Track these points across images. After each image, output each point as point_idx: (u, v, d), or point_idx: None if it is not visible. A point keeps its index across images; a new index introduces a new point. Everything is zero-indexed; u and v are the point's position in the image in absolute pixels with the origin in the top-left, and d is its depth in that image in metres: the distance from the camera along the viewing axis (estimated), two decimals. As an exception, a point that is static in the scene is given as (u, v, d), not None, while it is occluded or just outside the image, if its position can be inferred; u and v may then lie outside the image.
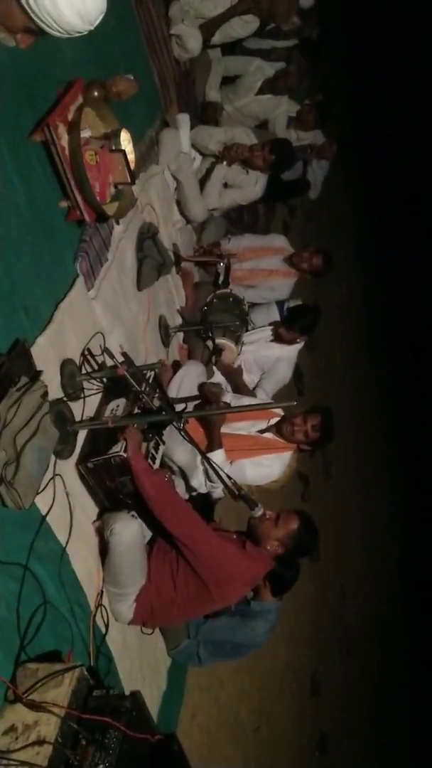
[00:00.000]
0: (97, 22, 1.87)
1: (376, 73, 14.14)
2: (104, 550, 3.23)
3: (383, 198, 14.90)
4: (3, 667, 2.45)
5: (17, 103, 3.05)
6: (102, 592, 3.26)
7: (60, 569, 2.92)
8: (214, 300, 4.87)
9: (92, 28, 1.87)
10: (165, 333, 4.52)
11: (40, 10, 1.78)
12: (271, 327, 5.19)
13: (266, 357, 5.10)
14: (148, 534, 3.45)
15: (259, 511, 3.25)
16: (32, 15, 1.80)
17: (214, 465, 3.20)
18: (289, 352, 5.11)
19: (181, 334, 4.86)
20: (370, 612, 11.55)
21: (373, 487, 12.85)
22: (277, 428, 4.19)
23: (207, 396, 4.03)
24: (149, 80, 4.85)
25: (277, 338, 5.11)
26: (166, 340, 4.53)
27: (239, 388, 4.82)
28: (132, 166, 3.39)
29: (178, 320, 4.86)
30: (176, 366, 4.54)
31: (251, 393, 4.83)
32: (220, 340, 4.68)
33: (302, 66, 6.64)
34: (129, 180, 3.38)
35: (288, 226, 8.63)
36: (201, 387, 4.19)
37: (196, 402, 3.99)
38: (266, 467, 4.13)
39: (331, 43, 8.84)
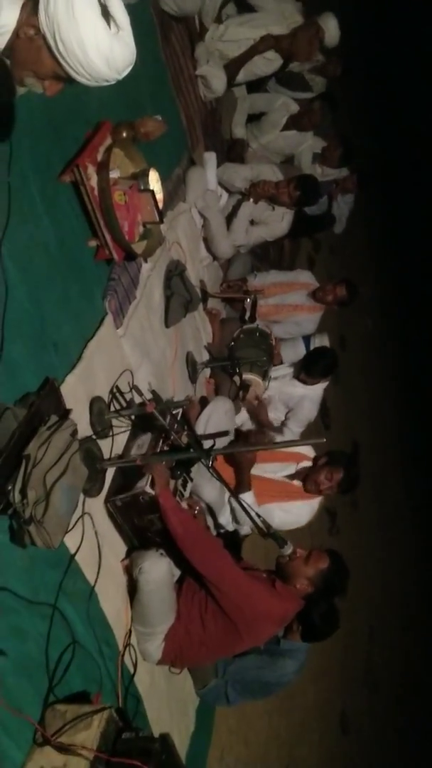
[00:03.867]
0: (125, 72, 1.89)
1: (398, 105, 14.25)
2: (133, 588, 3.21)
3: (406, 227, 14.93)
4: (32, 709, 2.43)
5: (47, 144, 3.10)
6: (130, 631, 3.24)
7: (88, 608, 2.90)
8: (241, 335, 4.89)
9: (120, 77, 1.90)
10: (192, 369, 4.53)
11: (70, 57, 1.82)
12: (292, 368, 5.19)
13: (290, 395, 5.09)
14: (177, 572, 3.43)
15: (288, 549, 3.22)
16: (61, 61, 1.84)
17: (243, 503, 3.18)
18: (314, 390, 5.09)
19: (208, 370, 4.87)
20: (398, 650, 11.36)
21: (400, 519, 12.72)
22: (303, 481, 4.19)
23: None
24: (176, 119, 4.91)
25: (300, 379, 5.09)
26: (193, 376, 4.54)
27: (264, 424, 4.80)
28: (160, 205, 3.43)
29: (206, 356, 4.88)
30: (203, 402, 4.54)
31: (276, 430, 4.82)
32: (247, 376, 4.68)
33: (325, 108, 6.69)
34: (157, 219, 3.41)
35: (313, 260, 8.66)
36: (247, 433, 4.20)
37: (224, 438, 3.98)
38: (295, 515, 4.12)
39: (354, 76, 8.92)
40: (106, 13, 1.77)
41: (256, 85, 6.43)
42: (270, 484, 4.19)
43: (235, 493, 3.74)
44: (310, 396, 5.08)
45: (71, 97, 3.36)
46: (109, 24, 1.78)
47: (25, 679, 2.45)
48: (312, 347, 5.46)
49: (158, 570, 3.13)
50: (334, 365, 5.14)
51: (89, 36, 1.75)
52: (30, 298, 2.79)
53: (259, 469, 4.17)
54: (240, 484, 4.00)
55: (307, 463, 4.27)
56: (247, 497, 3.93)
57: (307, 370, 5.05)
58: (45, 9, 1.76)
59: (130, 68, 1.89)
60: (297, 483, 4.25)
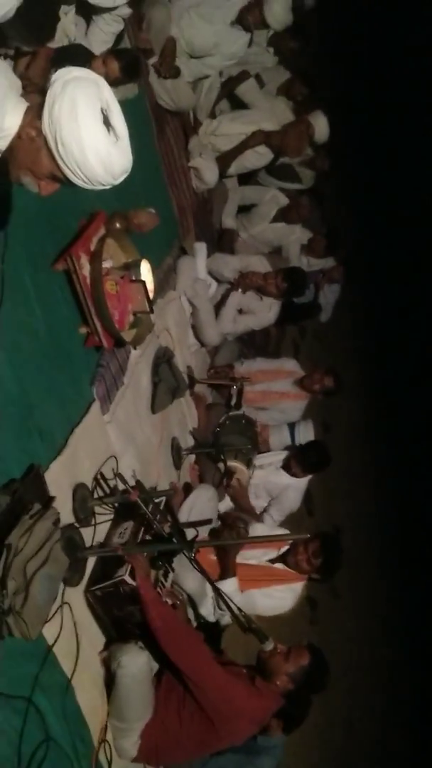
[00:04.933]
0: (121, 179, 1.96)
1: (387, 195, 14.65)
2: (110, 682, 3.13)
3: (393, 314, 15.16)
4: (2, 810, 2.35)
5: (41, 233, 3.17)
6: (106, 726, 3.15)
7: (64, 702, 2.83)
8: (227, 422, 4.91)
9: (115, 182, 1.96)
10: (177, 455, 4.52)
11: (68, 158, 1.88)
12: (284, 453, 5.18)
13: (275, 484, 5.07)
14: (156, 666, 3.35)
15: (269, 645, 3.17)
16: (60, 162, 1.89)
17: (225, 597, 3.14)
18: (300, 481, 5.09)
19: (193, 456, 4.87)
20: (378, 747, 11.05)
21: (383, 607, 12.54)
22: (284, 560, 4.15)
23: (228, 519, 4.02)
24: (168, 209, 5.05)
25: (287, 469, 5.09)
26: (177, 462, 4.53)
27: (246, 511, 4.78)
28: (151, 295, 3.49)
29: (191, 441, 4.88)
30: (187, 488, 4.52)
31: (258, 518, 4.80)
32: (231, 463, 4.68)
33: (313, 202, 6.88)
34: (148, 309, 3.47)
35: (298, 346, 8.75)
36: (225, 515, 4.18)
37: (208, 527, 3.96)
38: (277, 599, 4.06)
39: (343, 167, 9.17)
40: (107, 122, 1.84)
41: (246, 177, 6.63)
42: (252, 569, 4.14)
43: (218, 581, 3.73)
44: (294, 486, 5.07)
45: (66, 187, 3.45)
46: (109, 132, 1.85)
47: (-4, 778, 2.37)
48: (297, 434, 5.47)
49: (137, 664, 3.06)
50: (328, 462, 5.15)
51: (90, 141, 1.83)
52: (17, 383, 2.81)
53: (240, 557, 4.13)
54: (224, 569, 3.96)
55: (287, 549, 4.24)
56: (231, 584, 3.90)
57: (302, 464, 5.03)
58: (50, 112, 1.83)
59: (125, 175, 1.96)
60: (279, 566, 4.20)
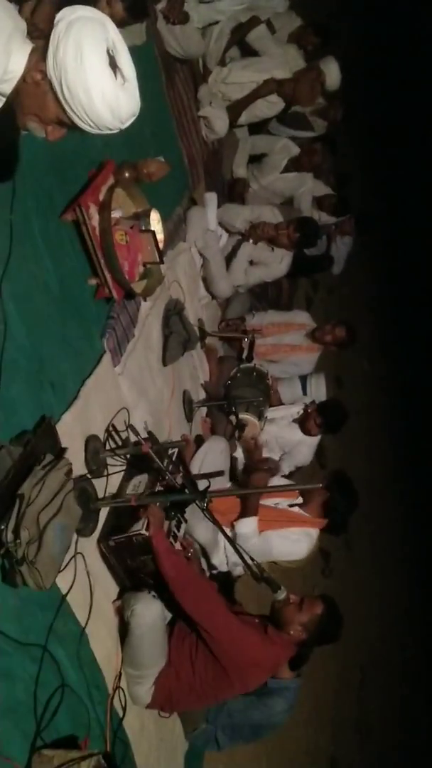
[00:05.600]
0: (129, 122, 1.91)
1: (398, 146, 14.43)
2: (124, 630, 3.17)
3: (406, 269, 15.03)
4: (19, 754, 2.40)
5: (50, 183, 3.13)
6: (120, 674, 3.19)
7: (79, 650, 2.87)
8: (238, 374, 4.90)
9: (122, 127, 1.91)
10: (189, 408, 4.53)
11: (75, 103, 1.83)
12: (296, 407, 5.15)
13: (288, 439, 5.06)
14: (169, 615, 3.39)
15: (282, 594, 3.19)
16: (66, 107, 1.85)
17: (238, 547, 3.16)
18: (312, 438, 5.07)
19: (204, 409, 4.86)
20: (392, 694, 11.22)
21: (395, 562, 12.63)
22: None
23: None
24: (178, 159, 4.97)
25: (300, 425, 5.06)
26: (189, 415, 4.53)
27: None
28: (161, 246, 3.45)
29: (202, 395, 4.88)
30: (199, 441, 4.53)
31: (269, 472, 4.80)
32: (243, 416, 4.67)
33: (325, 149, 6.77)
34: (158, 260, 3.44)
35: (311, 299, 8.69)
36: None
37: (219, 478, 3.96)
38: (294, 542, 4.06)
39: (355, 120, 9.02)
40: (113, 64, 1.79)
41: (257, 127, 6.51)
42: (271, 511, 4.16)
43: (239, 519, 3.81)
44: (308, 442, 5.05)
45: (75, 137, 3.38)
46: (115, 75, 1.80)
47: (13, 723, 2.41)
48: (309, 387, 5.45)
49: (150, 613, 3.10)
50: (344, 422, 5.12)
51: (96, 84, 1.77)
52: (29, 336, 2.80)
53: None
54: (246, 508, 3.98)
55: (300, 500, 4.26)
56: (251, 523, 3.93)
57: (319, 424, 4.98)
58: (54, 54, 1.78)
59: (133, 119, 1.90)
60: (297, 510, 4.22)
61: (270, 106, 6.05)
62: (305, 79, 6.02)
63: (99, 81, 1.78)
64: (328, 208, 6.82)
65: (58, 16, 1.80)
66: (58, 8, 3.18)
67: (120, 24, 3.44)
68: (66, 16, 1.80)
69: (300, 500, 4.19)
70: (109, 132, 1.91)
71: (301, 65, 6.09)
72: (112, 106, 1.83)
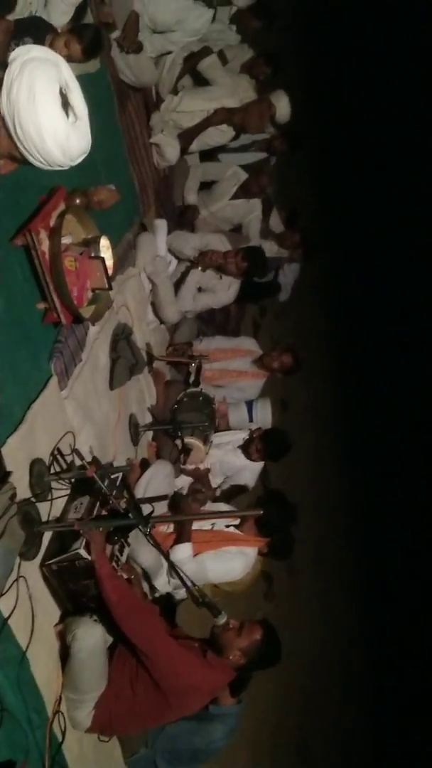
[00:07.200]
0: (79, 160, 1.97)
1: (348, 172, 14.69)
2: (65, 654, 3.18)
3: (354, 293, 15.24)
4: None
5: (0, 208, 3.15)
6: (60, 698, 3.19)
7: (19, 674, 2.87)
8: (184, 399, 4.93)
9: (73, 164, 1.97)
10: (135, 431, 4.55)
11: (27, 141, 1.88)
12: (242, 433, 5.22)
13: (231, 464, 5.13)
14: (110, 639, 3.40)
15: (222, 619, 3.23)
16: (18, 144, 1.89)
17: (180, 572, 3.19)
18: (255, 464, 5.15)
19: (150, 433, 4.89)
20: (333, 718, 11.25)
21: (337, 585, 12.71)
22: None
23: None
24: (129, 186, 5.03)
25: (244, 450, 5.13)
26: (135, 439, 4.56)
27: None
28: (110, 272, 3.49)
29: (149, 418, 4.91)
30: (144, 464, 4.56)
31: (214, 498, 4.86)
32: (188, 440, 4.71)
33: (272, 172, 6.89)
34: (107, 286, 3.48)
35: (258, 325, 8.78)
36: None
37: (164, 503, 4.00)
38: (228, 560, 4.10)
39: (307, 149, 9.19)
40: (65, 103, 1.84)
41: (208, 154, 6.61)
42: (205, 533, 4.21)
43: (173, 546, 3.85)
44: (251, 467, 5.13)
45: (27, 164, 3.44)
46: (67, 113, 1.85)
47: None
48: (255, 412, 5.52)
49: (92, 637, 3.11)
50: (287, 451, 5.19)
51: (47, 125, 1.82)
52: (-25, 360, 2.81)
53: (196, 524, 4.19)
54: (180, 534, 4.04)
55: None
56: (185, 549, 3.99)
57: (262, 452, 5.07)
58: (8, 94, 1.83)
59: (84, 156, 1.96)
60: (233, 529, 4.27)
61: (221, 134, 6.17)
62: (255, 110, 6.15)
63: (51, 122, 1.83)
64: (290, 243, 6.91)
65: (13, 54, 1.85)
66: (13, 36, 3.25)
67: (76, 62, 3.49)
68: (21, 54, 1.85)
69: (237, 521, 4.25)
70: (59, 168, 1.96)
71: (251, 96, 6.22)
72: (63, 146, 1.88)
